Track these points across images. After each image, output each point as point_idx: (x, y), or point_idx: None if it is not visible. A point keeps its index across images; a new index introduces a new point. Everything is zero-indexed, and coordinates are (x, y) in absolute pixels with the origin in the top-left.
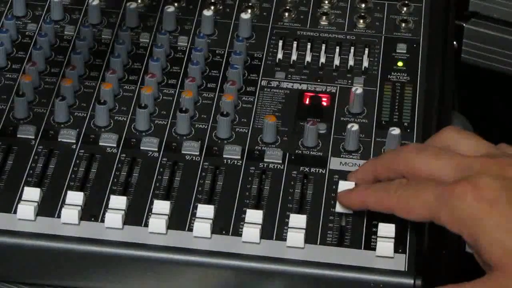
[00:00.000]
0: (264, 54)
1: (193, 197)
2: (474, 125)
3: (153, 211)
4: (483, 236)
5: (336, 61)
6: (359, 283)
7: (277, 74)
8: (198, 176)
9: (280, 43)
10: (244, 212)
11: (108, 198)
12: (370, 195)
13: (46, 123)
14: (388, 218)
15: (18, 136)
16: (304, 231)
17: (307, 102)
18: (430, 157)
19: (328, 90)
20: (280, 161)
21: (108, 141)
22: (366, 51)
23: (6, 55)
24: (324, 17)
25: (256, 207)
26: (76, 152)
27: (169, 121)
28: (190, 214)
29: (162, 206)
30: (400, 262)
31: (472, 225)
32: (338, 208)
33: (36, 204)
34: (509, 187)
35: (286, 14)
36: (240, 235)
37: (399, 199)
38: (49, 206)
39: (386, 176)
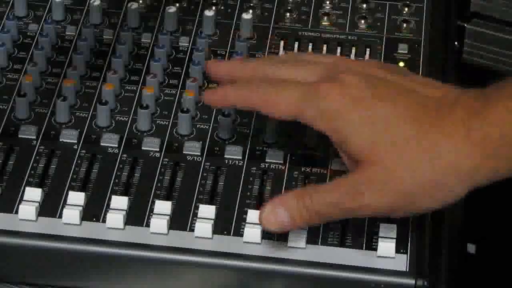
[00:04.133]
0: (266, 55)
1: (195, 198)
2: None
3: (155, 211)
4: (349, 131)
5: None
6: (361, 283)
7: None
8: (200, 176)
9: (282, 43)
10: (246, 213)
11: (110, 198)
12: (232, 90)
13: (47, 123)
14: (389, 219)
15: (20, 136)
16: (305, 231)
17: None
18: (295, 64)
19: None
20: (282, 162)
21: (109, 141)
22: (368, 52)
23: (7, 55)
24: (325, 18)
25: (258, 207)
26: (78, 152)
27: (171, 121)
28: (191, 214)
29: (163, 207)
30: (401, 262)
31: (338, 121)
32: None
33: (37, 204)
34: (374, 83)
35: (288, 14)
36: (242, 235)
37: (263, 95)
38: (50, 206)
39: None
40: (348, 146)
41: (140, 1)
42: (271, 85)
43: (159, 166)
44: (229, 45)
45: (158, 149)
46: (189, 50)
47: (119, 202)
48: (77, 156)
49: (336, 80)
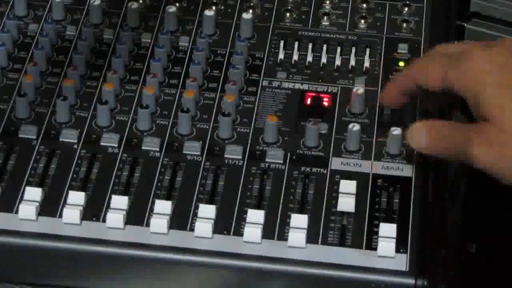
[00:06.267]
0: (266, 54)
1: (195, 197)
2: None
3: (155, 211)
4: (483, 91)
5: (338, 61)
6: (361, 283)
7: (279, 74)
8: (200, 176)
9: (282, 43)
10: (246, 212)
11: (110, 198)
12: (398, 77)
13: (47, 123)
14: (389, 218)
15: (20, 136)
16: (305, 231)
17: (308, 102)
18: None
19: (329, 90)
20: (282, 161)
21: (109, 141)
22: (368, 51)
23: (7, 55)
24: (325, 17)
25: (258, 207)
26: (78, 152)
27: (171, 121)
28: (191, 214)
29: (163, 206)
30: (401, 262)
31: (476, 81)
32: (340, 207)
33: (37, 204)
34: None
35: (288, 14)
36: (242, 235)
37: (419, 65)
38: (50, 206)
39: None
40: (479, 105)
41: (140, 1)
42: (424, 58)
43: (159, 166)
44: (229, 45)
45: (158, 149)
46: (189, 50)
47: (119, 202)
48: (77, 156)
49: (485, 48)
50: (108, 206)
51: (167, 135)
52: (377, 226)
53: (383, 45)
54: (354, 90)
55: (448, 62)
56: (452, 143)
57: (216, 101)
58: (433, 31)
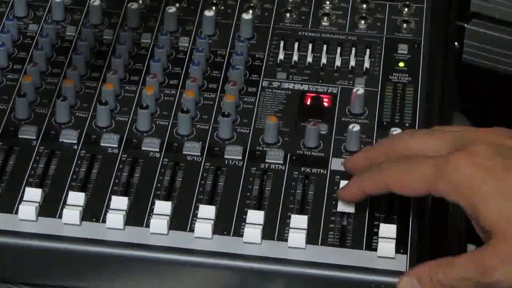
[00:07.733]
0: (265, 55)
1: (195, 198)
2: (475, 125)
3: (155, 211)
4: (481, 203)
5: (338, 62)
6: (361, 283)
7: (279, 75)
8: (200, 176)
9: (282, 43)
10: (245, 213)
11: (110, 199)
12: (365, 179)
13: (47, 123)
14: (389, 218)
15: (20, 136)
16: (305, 231)
17: (308, 102)
18: (423, 136)
19: (329, 90)
20: (282, 162)
21: (109, 141)
22: (368, 52)
23: (7, 55)
24: (325, 18)
25: (258, 207)
26: (78, 153)
27: (171, 122)
28: (191, 214)
29: (163, 207)
30: (402, 262)
31: (470, 193)
32: (340, 208)
33: (37, 204)
34: (504, 153)
35: (288, 14)
36: (242, 235)
37: (393, 175)
38: (50, 207)
39: (380, 162)
40: (480, 219)
41: (140, 1)
42: (401, 164)
43: (159, 166)
44: (229, 45)
45: (158, 149)
46: (189, 50)
47: (119, 202)
48: (77, 156)
49: (465, 150)
50: (108, 207)
51: (167, 136)
52: (377, 226)
53: (383, 46)
54: (354, 90)
55: (431, 172)
56: (466, 279)
57: (216, 102)
58: (433, 31)
